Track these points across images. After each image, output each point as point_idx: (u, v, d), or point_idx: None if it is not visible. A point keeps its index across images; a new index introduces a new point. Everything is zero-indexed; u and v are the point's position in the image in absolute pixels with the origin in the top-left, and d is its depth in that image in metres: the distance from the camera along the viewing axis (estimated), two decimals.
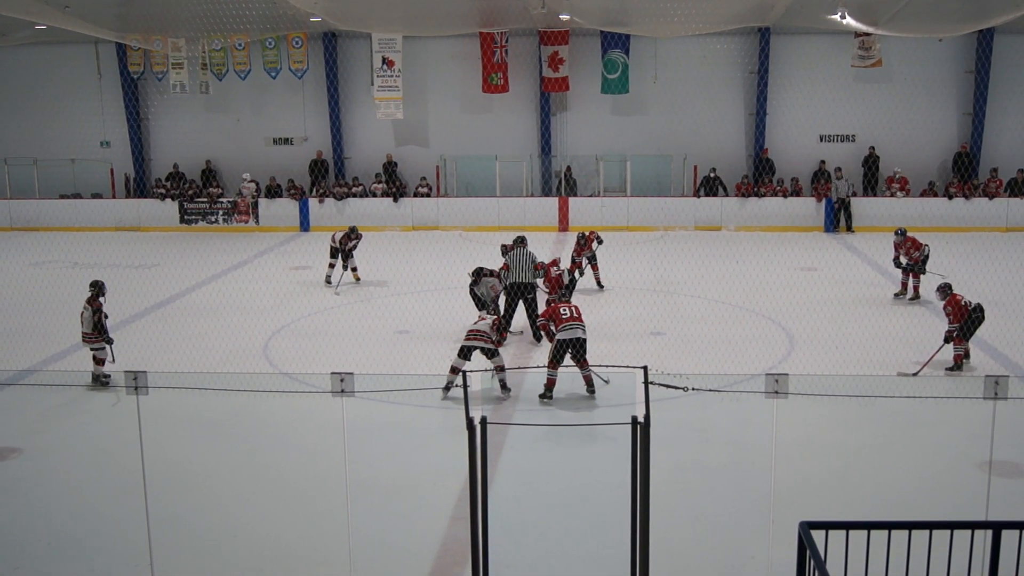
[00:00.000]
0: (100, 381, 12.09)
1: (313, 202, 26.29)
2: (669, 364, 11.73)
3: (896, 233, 16.55)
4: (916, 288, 16.27)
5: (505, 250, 14.93)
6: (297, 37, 25.89)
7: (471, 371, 6.50)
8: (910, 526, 4.98)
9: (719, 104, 26.31)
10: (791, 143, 26.14)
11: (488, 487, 5.88)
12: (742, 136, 26.69)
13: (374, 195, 26.40)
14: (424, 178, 26.55)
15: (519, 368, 12.51)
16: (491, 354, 11.49)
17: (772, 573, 7.01)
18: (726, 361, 12.54)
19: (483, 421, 5.71)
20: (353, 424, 7.16)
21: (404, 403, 10.87)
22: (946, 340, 12.25)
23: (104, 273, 14.28)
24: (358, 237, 18.21)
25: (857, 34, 23.78)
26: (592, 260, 17.12)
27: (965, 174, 24.98)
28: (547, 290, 14.70)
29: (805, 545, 4.79)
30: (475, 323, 11.85)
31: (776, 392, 6.16)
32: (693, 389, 6.48)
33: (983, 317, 12.21)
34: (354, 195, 26.29)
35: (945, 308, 12.34)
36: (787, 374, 6.09)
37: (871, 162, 25.68)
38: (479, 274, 14.41)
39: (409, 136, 27.49)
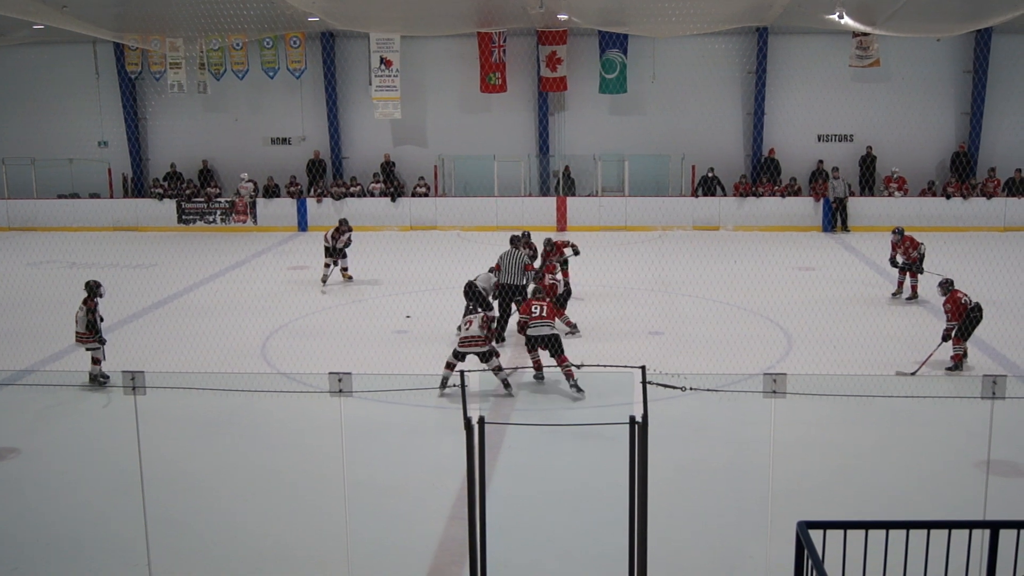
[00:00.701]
0: (98, 381, 12.09)
1: (311, 202, 26.28)
2: (667, 364, 11.75)
3: (894, 232, 16.55)
4: (914, 287, 16.27)
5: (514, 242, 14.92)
6: (295, 37, 25.88)
7: (470, 371, 6.49)
8: (908, 526, 4.97)
9: (717, 104, 26.34)
10: (789, 143, 26.17)
11: (486, 487, 5.87)
12: (740, 136, 26.71)
13: (372, 195, 26.40)
14: (422, 178, 26.56)
15: (517, 368, 12.49)
16: (486, 357, 11.49)
17: (770, 573, 7.02)
18: (724, 361, 12.54)
19: (481, 421, 5.71)
20: (351, 424, 7.16)
21: (402, 403, 10.87)
22: (944, 338, 12.25)
23: (102, 273, 14.29)
24: (349, 229, 18.16)
25: (855, 34, 23.80)
26: (564, 266, 16.63)
27: (963, 174, 25.01)
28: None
29: (803, 545, 4.78)
30: (466, 329, 11.66)
31: (774, 392, 6.17)
32: (691, 389, 6.48)
33: (981, 317, 12.20)
34: (352, 195, 26.30)
35: (945, 305, 12.36)
36: (785, 374, 6.10)
37: (869, 162, 25.74)
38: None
39: (407, 136, 27.49)
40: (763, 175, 25.66)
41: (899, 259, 16.38)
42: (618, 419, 5.68)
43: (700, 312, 15.94)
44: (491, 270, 14.43)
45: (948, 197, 24.53)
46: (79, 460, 9.99)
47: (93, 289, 12.28)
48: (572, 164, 26.74)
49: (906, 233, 16.44)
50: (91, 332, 12.08)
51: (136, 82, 27.85)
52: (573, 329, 14.33)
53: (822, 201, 24.85)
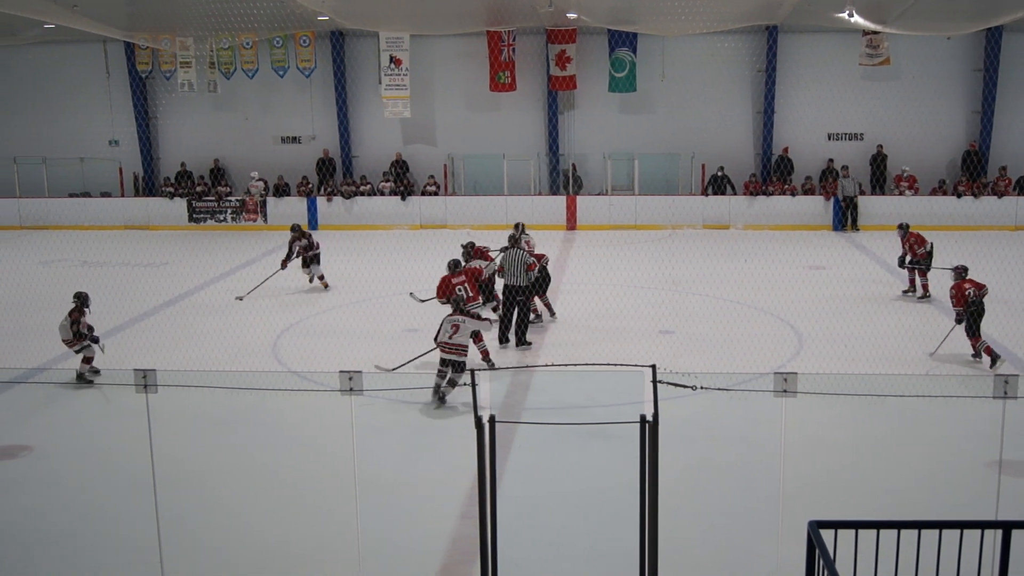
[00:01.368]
0: (84, 379, 12.15)
1: (321, 200, 26.33)
2: (677, 363, 11.75)
3: (899, 228, 16.57)
4: (925, 286, 16.24)
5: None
6: (305, 36, 25.93)
7: (480, 370, 6.50)
8: (920, 525, 4.96)
9: (727, 102, 26.31)
10: (799, 141, 26.12)
11: (497, 485, 5.88)
12: (750, 134, 26.66)
13: (382, 193, 26.44)
14: (432, 176, 26.59)
15: (526, 367, 12.51)
16: (459, 368, 11.04)
17: (781, 572, 7.01)
18: (735, 360, 12.54)
19: (492, 419, 5.72)
20: (361, 422, 7.17)
21: (413, 401, 10.89)
22: (957, 321, 12.53)
23: (113, 271, 14.37)
24: (300, 237, 17.88)
25: (865, 32, 23.74)
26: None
27: (974, 172, 24.93)
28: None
29: (814, 544, 4.79)
30: (453, 334, 11.10)
31: (785, 391, 6.16)
32: (702, 388, 6.47)
33: (981, 311, 12.40)
34: (362, 193, 26.35)
35: (950, 290, 12.73)
36: (796, 373, 6.09)
37: (879, 160, 25.66)
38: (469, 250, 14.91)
39: (417, 135, 27.51)
40: (775, 174, 25.61)
41: (907, 258, 16.35)
42: (628, 418, 5.68)
43: (710, 311, 15.93)
44: (496, 272, 14.43)
45: (959, 196, 24.45)
46: (91, 458, 10.04)
47: (84, 300, 12.37)
48: (582, 163, 26.74)
49: (912, 229, 16.43)
50: (77, 339, 12.19)
51: (147, 81, 27.93)
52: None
53: (832, 200, 24.80)
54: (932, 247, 16.05)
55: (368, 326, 15.31)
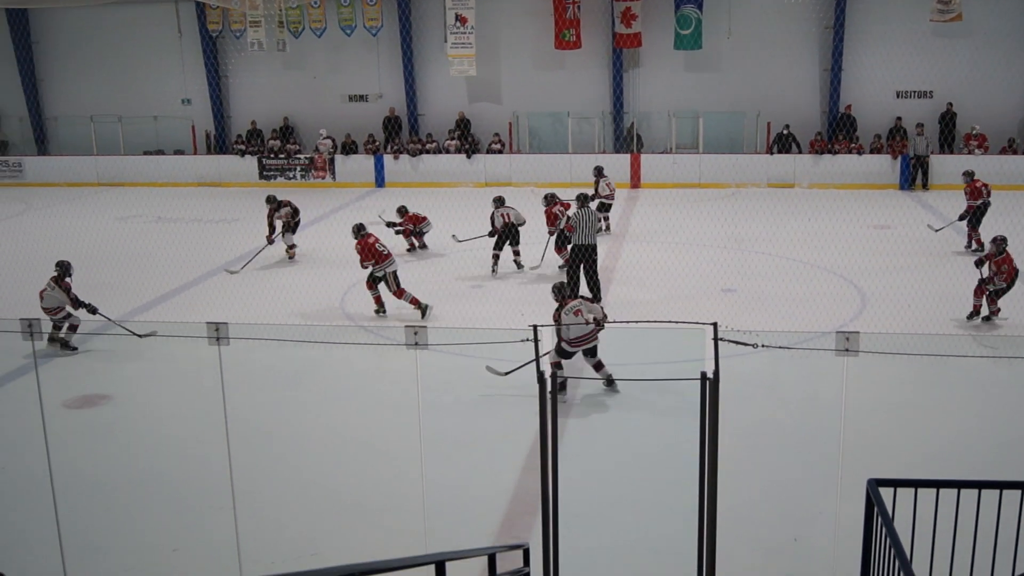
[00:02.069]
0: (70, 346, 12.19)
1: (388, 158, 26.57)
2: (739, 321, 11.79)
3: (964, 175, 16.72)
4: (978, 240, 16.11)
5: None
6: None
7: (542, 326, 6.62)
8: (980, 485, 4.94)
9: (793, 60, 25.90)
10: (866, 99, 25.63)
11: (559, 440, 6.01)
12: (816, 92, 26.24)
13: (447, 151, 26.60)
14: (497, 134, 26.66)
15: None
16: (594, 352, 10.31)
17: (840, 529, 7.08)
18: (797, 318, 12.51)
19: (554, 373, 5.83)
20: (426, 376, 7.33)
21: (477, 356, 11.05)
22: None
23: (186, 227, 14.68)
24: (279, 206, 17.58)
25: None
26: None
27: None
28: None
29: (873, 502, 4.83)
30: (577, 318, 10.05)
31: (847, 350, 6.16)
32: (763, 346, 6.51)
33: (1009, 287, 12.35)
34: (428, 151, 26.53)
35: (994, 261, 12.41)
36: (858, 332, 6.07)
37: (948, 119, 25.07)
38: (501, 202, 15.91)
39: (482, 93, 27.55)
40: (839, 132, 25.22)
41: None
42: (689, 375, 5.78)
43: (773, 269, 15.86)
44: (564, 229, 14.57)
45: None
46: (167, 407, 10.41)
47: (67, 269, 12.31)
48: (646, 121, 26.58)
49: (976, 178, 16.36)
50: (76, 307, 12.14)
51: (217, 40, 28.34)
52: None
53: (900, 158, 24.37)
54: (984, 205, 15.83)
55: (435, 282, 15.38)
